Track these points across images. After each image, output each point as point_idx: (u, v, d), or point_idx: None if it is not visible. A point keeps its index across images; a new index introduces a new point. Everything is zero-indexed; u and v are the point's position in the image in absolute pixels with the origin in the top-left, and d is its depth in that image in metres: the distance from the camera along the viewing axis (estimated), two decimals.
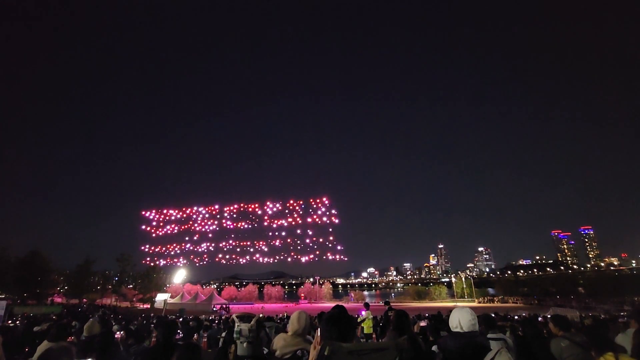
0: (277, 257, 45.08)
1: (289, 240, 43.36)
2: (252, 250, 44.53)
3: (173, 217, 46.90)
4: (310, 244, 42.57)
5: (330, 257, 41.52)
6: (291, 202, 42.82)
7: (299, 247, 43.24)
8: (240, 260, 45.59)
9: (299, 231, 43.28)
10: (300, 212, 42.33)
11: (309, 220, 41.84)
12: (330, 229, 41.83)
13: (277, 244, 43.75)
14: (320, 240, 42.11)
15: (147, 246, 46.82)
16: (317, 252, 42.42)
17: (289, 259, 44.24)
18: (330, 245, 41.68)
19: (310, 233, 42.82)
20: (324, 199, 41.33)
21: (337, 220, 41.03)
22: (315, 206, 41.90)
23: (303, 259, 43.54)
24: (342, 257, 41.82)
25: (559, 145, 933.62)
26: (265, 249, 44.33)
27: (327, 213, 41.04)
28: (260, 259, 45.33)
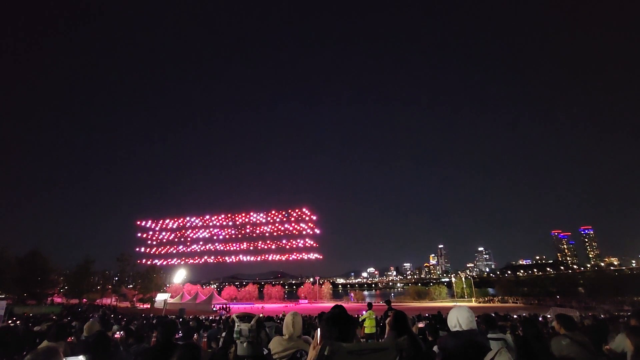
0: (265, 257, 49.28)
1: (268, 242, 47.98)
2: (238, 249, 48.83)
3: (168, 227, 49.83)
4: (293, 246, 47.45)
5: (307, 257, 46.94)
6: (273, 212, 48.39)
7: (286, 247, 47.75)
8: (228, 259, 49.68)
9: (282, 235, 47.99)
10: (284, 220, 48.01)
11: (290, 227, 47.41)
12: (309, 230, 46.56)
13: (262, 246, 48.23)
14: (300, 242, 47.11)
15: (144, 249, 48.50)
16: (295, 254, 47.19)
17: (271, 258, 49.18)
18: (309, 246, 46.92)
19: (291, 237, 47.62)
20: (304, 209, 47.08)
21: (313, 225, 46.80)
22: (296, 215, 47.35)
23: (283, 257, 48.76)
24: (317, 256, 46.98)
25: (559, 145, 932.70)
26: (252, 249, 48.86)
27: (307, 219, 46.89)
28: (245, 258, 49.52)
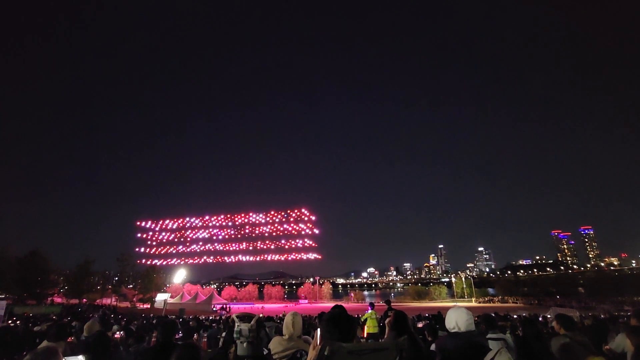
0: (264, 257, 49.88)
1: (267, 242, 48.56)
2: (237, 249, 49.45)
3: (168, 227, 51.14)
4: (292, 246, 48.11)
5: (306, 257, 47.74)
6: (272, 212, 48.98)
7: (285, 247, 48.37)
8: (227, 259, 50.39)
9: (281, 235, 48.67)
10: (283, 220, 48.60)
11: (289, 227, 47.98)
12: (308, 230, 47.08)
13: (261, 246, 48.80)
14: (299, 242, 47.75)
15: (144, 249, 48.87)
16: (295, 254, 47.87)
17: (270, 258, 49.87)
18: (308, 246, 47.62)
19: (290, 237, 48.26)
20: (303, 209, 47.62)
21: (312, 225, 47.39)
22: (295, 216, 47.87)
23: (282, 257, 49.47)
24: (315, 256, 47.79)
25: (559, 145, 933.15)
26: (251, 250, 49.53)
27: (306, 219, 47.45)
28: (244, 258, 50.37)
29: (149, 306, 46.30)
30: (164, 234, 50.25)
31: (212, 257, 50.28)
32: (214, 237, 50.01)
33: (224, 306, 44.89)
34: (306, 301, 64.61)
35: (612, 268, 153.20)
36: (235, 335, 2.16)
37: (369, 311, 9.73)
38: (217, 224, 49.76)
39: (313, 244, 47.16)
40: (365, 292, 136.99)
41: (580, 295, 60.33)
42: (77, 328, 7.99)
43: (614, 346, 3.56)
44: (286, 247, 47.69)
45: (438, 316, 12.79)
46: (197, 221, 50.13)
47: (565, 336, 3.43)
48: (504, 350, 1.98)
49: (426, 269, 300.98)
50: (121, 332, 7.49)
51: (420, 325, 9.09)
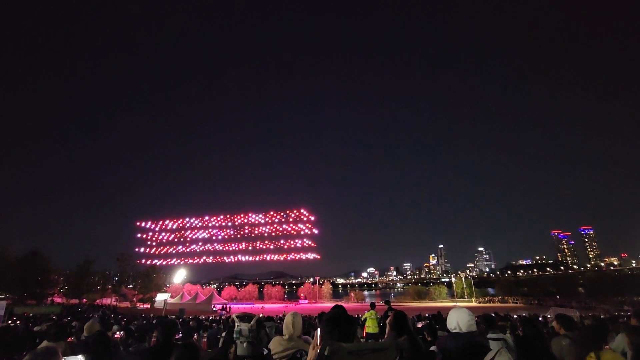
0: (263, 257, 49.95)
1: (266, 242, 48.77)
2: (237, 250, 49.62)
3: (168, 227, 51.13)
4: (291, 246, 48.24)
5: (304, 257, 47.86)
6: (272, 213, 49.17)
7: (284, 247, 48.51)
8: (227, 259, 50.63)
9: (280, 235, 48.85)
10: (282, 221, 48.81)
11: (288, 228, 48.13)
12: (308, 231, 47.30)
13: (260, 246, 48.95)
14: (298, 242, 47.94)
15: (144, 249, 49.02)
16: (294, 254, 48.08)
17: (269, 258, 49.93)
18: (307, 246, 47.81)
19: (289, 237, 48.43)
20: (302, 210, 47.89)
21: (311, 225, 47.63)
22: (294, 216, 48.10)
23: (281, 257, 49.65)
24: (314, 256, 47.90)
25: (558, 145, 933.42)
26: (251, 250, 49.66)
27: (304, 219, 47.70)
28: (243, 258, 50.44)
29: (149, 306, 46.31)
30: (164, 234, 50.36)
31: (211, 257, 50.43)
32: (214, 237, 50.21)
33: (224, 306, 44.88)
34: (306, 301, 64.57)
35: (612, 268, 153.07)
36: (235, 335, 2.17)
37: (369, 311, 9.71)
38: (217, 224, 49.91)
39: (312, 244, 47.33)
40: (365, 292, 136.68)
41: (580, 295, 60.31)
42: (77, 328, 7.98)
43: (614, 346, 3.55)
44: (285, 247, 47.88)
45: (438, 316, 12.77)
46: (196, 221, 50.24)
47: (565, 336, 3.43)
48: (504, 350, 1.98)
49: (426, 269, 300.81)
50: (121, 332, 7.48)
51: (420, 325, 9.09)
